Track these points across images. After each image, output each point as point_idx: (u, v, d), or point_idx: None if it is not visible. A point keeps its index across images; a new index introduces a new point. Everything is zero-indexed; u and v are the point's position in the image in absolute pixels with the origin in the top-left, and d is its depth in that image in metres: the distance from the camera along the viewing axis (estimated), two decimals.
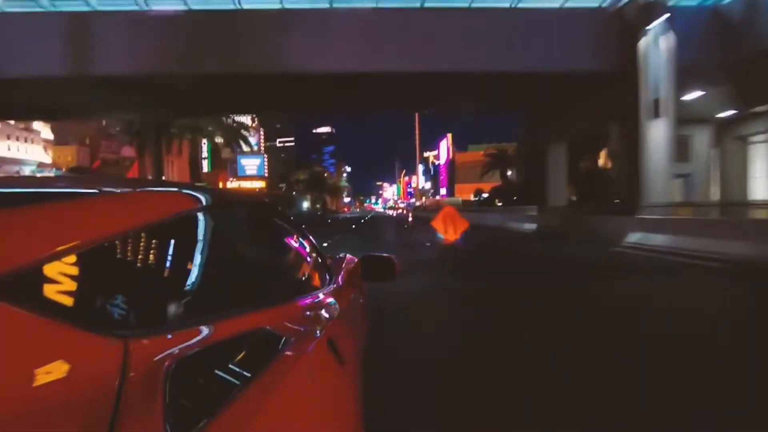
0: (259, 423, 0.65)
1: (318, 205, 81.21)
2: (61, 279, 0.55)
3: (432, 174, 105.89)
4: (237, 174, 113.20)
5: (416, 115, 67.95)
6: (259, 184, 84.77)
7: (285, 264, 1.49)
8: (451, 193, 73.50)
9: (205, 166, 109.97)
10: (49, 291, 0.53)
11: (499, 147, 42.41)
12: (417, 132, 66.20)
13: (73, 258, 0.57)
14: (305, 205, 71.00)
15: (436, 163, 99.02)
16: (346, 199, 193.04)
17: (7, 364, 0.45)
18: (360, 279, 2.06)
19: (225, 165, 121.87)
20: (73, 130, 60.55)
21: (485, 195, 44.98)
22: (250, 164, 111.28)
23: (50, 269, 0.54)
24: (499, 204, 40.80)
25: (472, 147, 78.05)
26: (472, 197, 60.42)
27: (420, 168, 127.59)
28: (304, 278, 1.55)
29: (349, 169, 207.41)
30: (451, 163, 76.32)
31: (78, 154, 61.60)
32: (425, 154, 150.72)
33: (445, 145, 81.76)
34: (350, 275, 1.92)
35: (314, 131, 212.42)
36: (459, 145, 78.40)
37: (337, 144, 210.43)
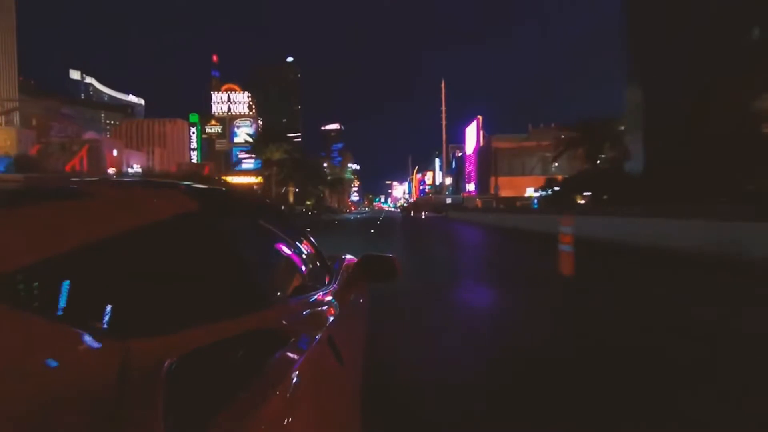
0: (259, 423, 0.65)
1: (309, 202, 60.61)
2: (60, 280, 0.55)
3: (454, 167, 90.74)
4: (233, 168, 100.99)
5: (442, 83, 54.02)
6: (252, 179, 71.92)
7: (285, 264, 1.49)
8: (483, 189, 59.55)
9: (195, 157, 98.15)
10: (49, 292, 0.53)
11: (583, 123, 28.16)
12: (443, 102, 51.86)
13: (72, 259, 0.57)
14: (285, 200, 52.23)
15: (459, 154, 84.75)
16: (354, 198, 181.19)
17: (7, 366, 0.45)
18: (361, 279, 2.02)
19: (219, 157, 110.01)
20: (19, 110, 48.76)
21: (552, 189, 31.45)
22: (246, 157, 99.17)
23: (49, 270, 0.54)
24: (582, 201, 27.45)
25: (501, 138, 64.72)
26: (531, 193, 46.39)
27: (437, 162, 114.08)
28: (304, 278, 1.53)
29: (357, 166, 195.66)
30: (482, 152, 61.93)
31: (20, 137, 49.75)
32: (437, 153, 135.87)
33: (473, 131, 66.45)
34: (351, 275, 1.92)
35: (322, 128, 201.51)
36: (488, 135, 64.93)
37: (346, 142, 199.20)
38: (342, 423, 1.04)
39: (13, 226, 0.57)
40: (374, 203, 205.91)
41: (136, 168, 74.01)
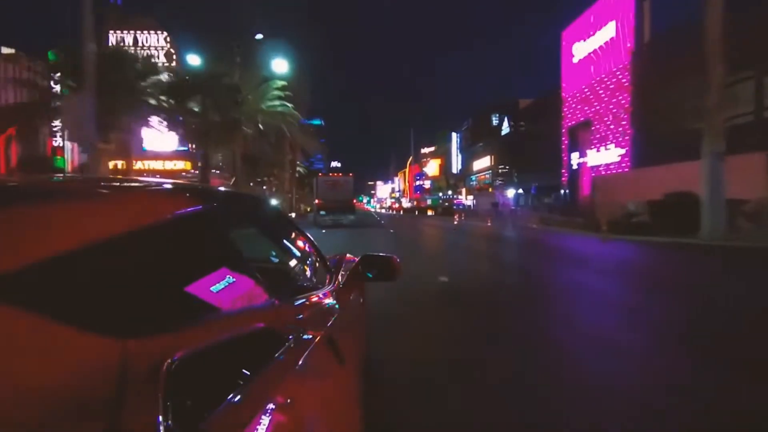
0: (259, 423, 0.65)
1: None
2: (59, 280, 0.55)
3: (512, 127, 51.24)
4: (139, 150, 62.78)
5: None
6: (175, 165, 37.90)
7: (285, 263, 1.48)
8: (683, 150, 21.27)
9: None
10: (48, 292, 0.53)
11: None
12: None
13: (71, 259, 0.57)
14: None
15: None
16: None
17: (7, 366, 0.45)
18: (360, 279, 2.03)
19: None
20: None
21: None
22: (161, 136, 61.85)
23: (49, 270, 0.54)
24: None
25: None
26: None
27: (454, 139, 78.32)
28: (304, 278, 1.53)
29: (339, 164, 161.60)
30: (655, 48, 23.60)
31: None
32: (424, 151, 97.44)
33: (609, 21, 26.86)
34: (350, 275, 1.92)
35: (301, 123, 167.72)
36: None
37: (327, 139, 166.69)
38: (342, 423, 1.05)
39: (13, 226, 0.57)
40: (357, 203, 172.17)
41: None
